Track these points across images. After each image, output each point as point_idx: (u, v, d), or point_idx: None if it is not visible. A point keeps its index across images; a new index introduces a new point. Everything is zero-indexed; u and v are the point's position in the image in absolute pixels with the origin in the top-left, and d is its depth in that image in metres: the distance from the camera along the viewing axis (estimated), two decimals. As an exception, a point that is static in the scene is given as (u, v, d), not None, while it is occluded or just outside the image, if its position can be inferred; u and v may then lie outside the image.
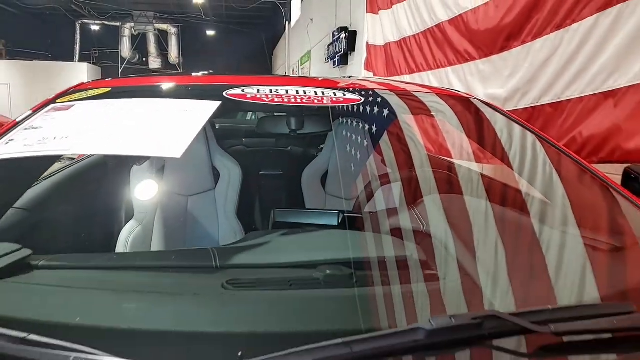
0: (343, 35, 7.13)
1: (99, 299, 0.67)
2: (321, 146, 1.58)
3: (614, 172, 1.12)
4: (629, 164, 1.06)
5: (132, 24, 16.84)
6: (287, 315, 0.65)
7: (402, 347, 0.52)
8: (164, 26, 16.86)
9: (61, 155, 1.28)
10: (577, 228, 0.88)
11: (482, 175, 1.15)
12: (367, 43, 4.48)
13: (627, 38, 1.43)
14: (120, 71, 17.20)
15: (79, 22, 16.54)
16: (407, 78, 3.32)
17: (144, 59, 17.48)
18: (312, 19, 10.02)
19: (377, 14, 4.19)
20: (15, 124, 1.05)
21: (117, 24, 16.79)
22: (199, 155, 1.38)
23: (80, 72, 15.45)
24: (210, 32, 17.78)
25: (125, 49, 17.21)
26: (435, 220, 0.95)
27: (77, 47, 17.14)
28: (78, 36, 17.03)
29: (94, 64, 16.82)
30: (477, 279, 0.76)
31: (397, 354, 0.53)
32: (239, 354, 0.50)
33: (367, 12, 4.51)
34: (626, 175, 1.01)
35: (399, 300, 0.70)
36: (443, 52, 2.80)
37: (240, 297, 0.67)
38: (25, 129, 1.01)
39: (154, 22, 16.76)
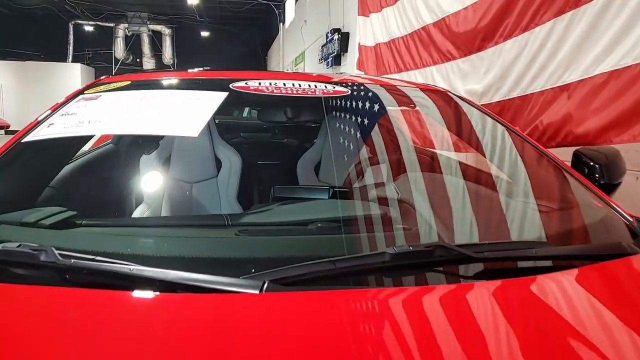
0: (336, 36, 7.36)
1: (138, 242, 0.89)
2: (314, 140, 1.70)
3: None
4: (578, 147, 1.30)
5: (126, 25, 16.94)
6: (286, 248, 0.87)
7: (373, 266, 0.74)
8: (157, 27, 16.99)
9: (92, 136, 1.50)
10: (527, 196, 1.12)
11: (451, 158, 1.38)
12: (359, 44, 4.72)
13: (577, 40, 1.68)
14: (114, 72, 17.26)
15: (72, 22, 16.60)
16: (395, 76, 3.56)
17: (138, 60, 17.58)
18: (305, 21, 10.24)
19: (368, 16, 4.43)
20: (54, 110, 1.26)
21: (111, 24, 16.88)
22: (203, 146, 1.47)
23: (73, 72, 15.47)
24: (205, 33, 17.93)
25: (119, 49, 17.30)
26: (406, 186, 1.19)
27: (70, 48, 17.19)
28: (71, 37, 17.08)
29: (87, 64, 16.86)
30: (434, 225, 1.01)
31: (369, 271, 0.74)
32: (252, 270, 0.69)
33: (358, 15, 4.75)
34: (576, 156, 1.24)
35: (372, 241, 0.93)
36: (428, 52, 3.05)
37: (249, 240, 0.89)
38: (62, 115, 1.23)
39: (148, 22, 16.88)
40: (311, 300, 0.66)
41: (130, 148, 1.65)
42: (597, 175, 1.18)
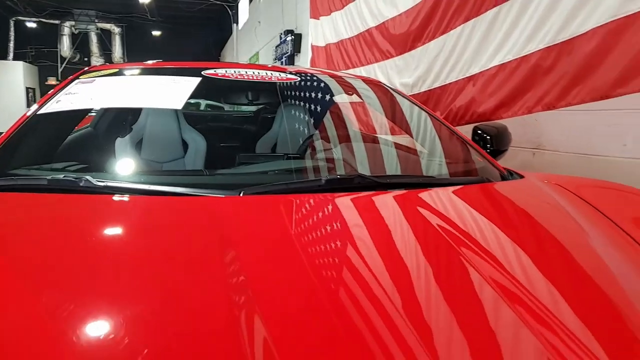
0: (290, 37, 7.77)
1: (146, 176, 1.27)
2: (272, 125, 1.96)
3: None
4: (477, 124, 1.79)
5: (73, 23, 16.48)
6: (255, 179, 1.27)
7: (312, 187, 1.16)
8: (107, 25, 16.66)
9: (91, 109, 1.81)
10: (439, 156, 1.59)
11: (380, 135, 1.84)
12: (311, 44, 5.17)
13: (478, 40, 2.21)
14: (60, 71, 16.76)
15: (13, 19, 15.97)
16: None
17: (86, 59, 17.11)
18: (259, 22, 10.58)
19: (319, 19, 4.89)
20: (56, 92, 1.60)
21: (56, 21, 16.37)
22: (171, 130, 1.66)
23: (15, 71, 14.83)
24: (156, 33, 17.76)
25: (65, 47, 16.80)
26: (347, 150, 1.63)
27: (11, 45, 16.52)
28: (12, 33, 16.42)
29: (30, 62, 16.28)
30: (358, 169, 1.46)
31: (311, 190, 1.14)
32: (240, 193, 1.08)
33: (310, 17, 5.20)
34: (474, 131, 1.71)
35: (317, 176, 1.36)
36: (371, 52, 3.54)
37: (228, 176, 1.31)
38: (66, 94, 1.59)
39: (96, 21, 16.51)
40: (271, 200, 1.08)
41: (106, 132, 1.86)
42: (488, 145, 1.67)
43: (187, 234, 0.91)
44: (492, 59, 2.12)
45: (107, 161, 1.51)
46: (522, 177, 1.40)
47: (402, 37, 3.02)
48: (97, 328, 0.62)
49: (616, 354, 0.64)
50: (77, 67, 16.40)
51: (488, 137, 1.66)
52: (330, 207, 1.07)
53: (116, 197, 1.05)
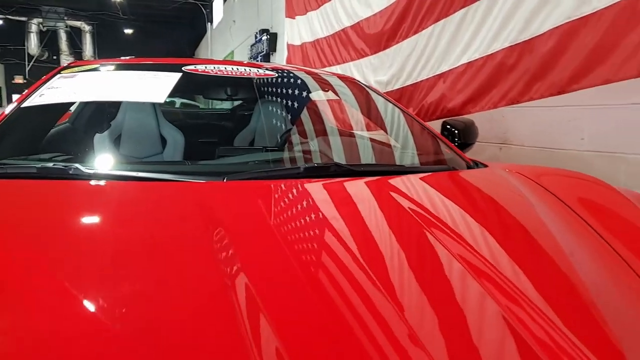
0: (265, 36, 7.82)
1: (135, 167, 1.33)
2: (249, 122, 2.00)
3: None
4: (446, 119, 1.90)
5: (40, 20, 16.06)
6: (236, 167, 1.35)
7: (293, 174, 1.24)
8: (77, 23, 16.29)
9: (73, 103, 1.83)
10: (411, 148, 1.69)
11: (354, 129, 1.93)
12: (287, 43, 5.24)
13: (448, 40, 2.33)
14: (28, 69, 16.31)
15: (-22, 15, 15.51)
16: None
17: (55, 57, 16.70)
18: (234, 21, 10.57)
19: (295, 18, 4.96)
20: (37, 87, 1.64)
21: (23, 18, 15.93)
22: (149, 126, 1.66)
23: (-22, 68, 14.48)
24: (128, 31, 17.46)
25: (33, 45, 16.34)
26: (324, 143, 1.72)
27: (-25, 43, 16.03)
28: (-24, 31, 15.93)
29: (-5, 60, 15.82)
30: (333, 159, 1.55)
31: (291, 177, 1.22)
32: (224, 179, 1.19)
33: (286, 17, 5.27)
34: (443, 125, 1.82)
35: (296, 165, 1.44)
36: (347, 50, 3.64)
37: (211, 166, 1.38)
38: (48, 88, 1.63)
39: (65, 18, 16.14)
40: (255, 185, 1.16)
41: (85, 128, 1.87)
42: (456, 139, 1.78)
43: (179, 214, 0.97)
44: (461, 57, 2.24)
45: (88, 154, 1.53)
46: (486, 166, 1.52)
47: (376, 37, 3.13)
48: (97, 304, 0.66)
49: (568, 318, 0.73)
50: (46, 66, 16.04)
51: (456, 131, 1.77)
52: (310, 191, 1.15)
53: (106, 184, 1.11)
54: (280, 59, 6.74)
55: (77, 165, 1.14)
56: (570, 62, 1.70)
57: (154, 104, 1.74)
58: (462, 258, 0.85)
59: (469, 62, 2.19)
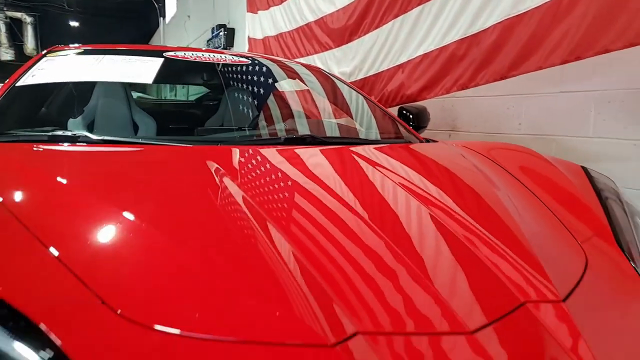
0: (222, 32, 7.88)
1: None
2: (217, 109, 2.14)
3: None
4: (403, 105, 2.18)
5: (-24, 10, 15.12)
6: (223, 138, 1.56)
7: (276, 142, 1.50)
8: (17, 14, 15.45)
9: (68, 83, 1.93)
10: (373, 129, 1.95)
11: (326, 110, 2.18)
12: (248, 37, 5.39)
13: (406, 33, 2.62)
14: (-38, 61, 15.26)
15: None
16: (284, 64, 4.34)
17: (-7, 49, 15.78)
18: (189, 16, 10.50)
19: (257, 13, 5.13)
20: (27, 69, 1.76)
21: (-44, 8, 14.93)
22: (122, 112, 1.77)
23: None
24: (74, 24, 16.74)
25: (-33, 36, 15.37)
26: (297, 121, 1.95)
27: None
28: None
29: None
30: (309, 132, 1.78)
31: (275, 144, 1.47)
32: (219, 144, 1.40)
33: (247, 12, 5.42)
34: (399, 110, 2.11)
35: (277, 137, 1.66)
36: (311, 44, 3.87)
37: (200, 137, 1.57)
38: (38, 69, 1.76)
39: (4, 9, 15.27)
40: (245, 149, 1.37)
41: (58, 114, 1.95)
42: (411, 122, 2.07)
43: (194, 168, 1.18)
44: (418, 49, 2.53)
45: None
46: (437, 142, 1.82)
47: (339, 31, 3.38)
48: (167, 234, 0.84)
49: (499, 233, 1.00)
50: (-17, 59, 14.97)
51: (411, 116, 2.09)
52: (293, 154, 1.38)
53: (118, 149, 1.29)
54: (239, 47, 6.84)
55: (85, 133, 1.30)
56: (510, 52, 2.03)
57: (126, 91, 1.88)
58: (411, 191, 1.13)
59: (425, 54, 2.48)
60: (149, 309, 0.64)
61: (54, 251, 0.73)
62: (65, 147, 1.29)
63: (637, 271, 1.01)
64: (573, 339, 0.74)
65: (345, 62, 3.32)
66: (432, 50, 2.43)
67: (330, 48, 3.54)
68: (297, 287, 0.71)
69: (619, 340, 0.81)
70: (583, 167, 1.44)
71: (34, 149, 1.24)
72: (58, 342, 0.57)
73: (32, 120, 1.75)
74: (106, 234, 0.82)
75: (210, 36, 8.53)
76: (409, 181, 1.22)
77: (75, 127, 1.66)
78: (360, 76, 3.12)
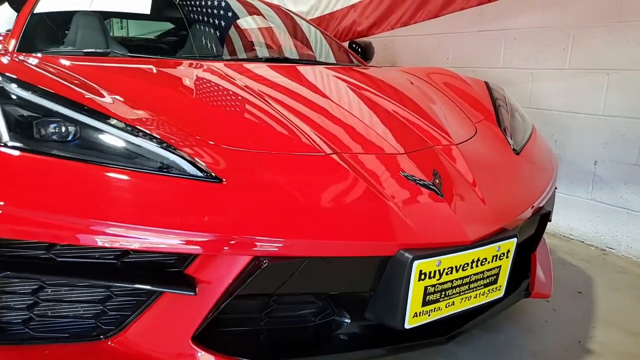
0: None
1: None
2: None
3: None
4: (354, 39, 2.66)
5: None
6: None
7: (259, 60, 1.95)
8: None
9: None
10: (330, 59, 2.43)
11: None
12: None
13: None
14: None
15: None
16: None
17: None
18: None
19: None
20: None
21: None
22: (99, 43, 2.02)
23: None
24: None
25: None
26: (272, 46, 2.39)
27: None
28: None
29: None
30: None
31: (264, 61, 1.94)
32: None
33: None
34: (349, 44, 2.59)
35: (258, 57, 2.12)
36: (268, -16, 4.17)
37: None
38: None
39: None
40: (246, 65, 1.82)
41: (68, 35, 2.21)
42: (359, 54, 2.57)
43: (213, 73, 1.62)
44: (367, -9, 2.99)
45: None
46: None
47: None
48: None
49: (421, 115, 1.52)
50: None
51: (359, 49, 2.60)
52: (271, 65, 1.86)
53: (150, 63, 1.69)
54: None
55: (114, 50, 1.69)
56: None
57: (103, 27, 2.22)
58: (355, 85, 1.67)
59: (374, -5, 2.95)
60: (230, 141, 1.13)
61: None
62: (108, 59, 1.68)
63: (507, 140, 1.60)
64: (462, 166, 1.30)
65: (302, 1, 3.70)
66: (379, -7, 2.90)
67: (288, -12, 3.88)
68: (299, 129, 1.22)
69: (489, 174, 1.38)
70: (485, 82, 2.02)
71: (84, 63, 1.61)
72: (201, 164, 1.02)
73: (53, 40, 2.05)
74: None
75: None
76: (353, 80, 1.77)
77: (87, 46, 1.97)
78: (317, 14, 3.53)
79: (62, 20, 2.13)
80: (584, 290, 1.90)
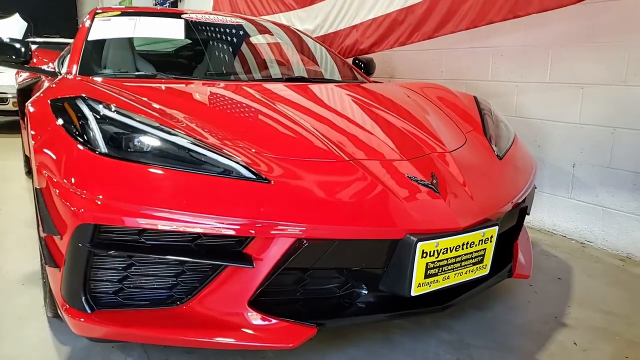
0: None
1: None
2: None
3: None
4: (357, 56, 2.97)
5: None
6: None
7: (281, 79, 2.26)
8: None
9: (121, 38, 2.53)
10: (335, 76, 2.75)
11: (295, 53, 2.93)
12: (214, -6, 5.83)
13: (358, 3, 3.37)
14: None
15: None
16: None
17: None
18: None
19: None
20: (89, 28, 2.36)
21: None
22: (128, 60, 2.41)
23: None
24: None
25: None
26: (283, 68, 2.71)
27: None
28: None
29: None
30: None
31: (279, 81, 2.24)
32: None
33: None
34: (353, 60, 2.91)
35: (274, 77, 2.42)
36: (276, 4, 4.49)
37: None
38: (95, 29, 2.37)
39: None
40: (261, 85, 2.13)
41: (117, 59, 2.51)
42: (362, 70, 2.88)
43: (238, 91, 1.92)
44: (368, 14, 3.31)
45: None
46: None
47: (302, -5, 4.06)
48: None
49: (418, 125, 1.83)
50: None
51: (362, 65, 2.91)
52: (285, 84, 2.16)
53: (189, 84, 1.99)
54: (195, 5, 7.18)
55: (160, 74, 2.00)
56: (434, 20, 2.86)
57: (131, 46, 2.52)
58: (359, 99, 1.98)
59: (374, 18, 3.26)
60: (270, 150, 1.42)
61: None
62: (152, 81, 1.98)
63: (492, 147, 1.90)
64: (454, 169, 1.60)
65: (308, 21, 4.02)
66: (379, 16, 3.21)
67: (294, 9, 4.20)
68: (322, 140, 1.52)
69: (476, 177, 1.68)
70: (474, 96, 2.33)
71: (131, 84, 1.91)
72: (240, 158, 1.32)
73: (102, 64, 2.35)
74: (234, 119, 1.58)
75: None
76: (359, 96, 2.09)
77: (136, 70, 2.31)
78: (322, 33, 3.85)
79: (101, 45, 2.43)
80: (563, 277, 2.19)
